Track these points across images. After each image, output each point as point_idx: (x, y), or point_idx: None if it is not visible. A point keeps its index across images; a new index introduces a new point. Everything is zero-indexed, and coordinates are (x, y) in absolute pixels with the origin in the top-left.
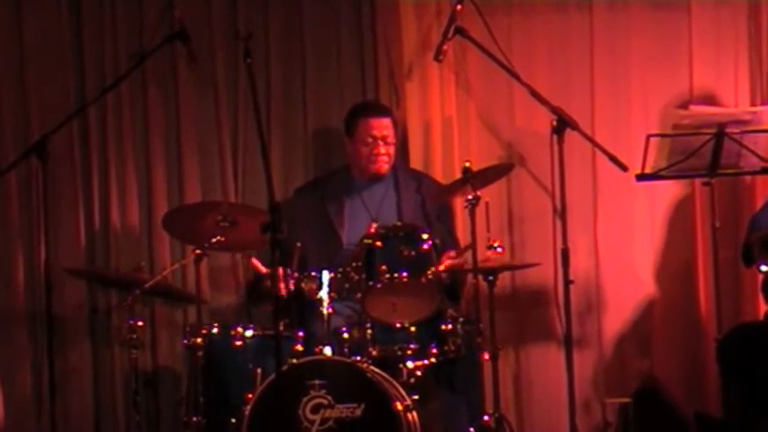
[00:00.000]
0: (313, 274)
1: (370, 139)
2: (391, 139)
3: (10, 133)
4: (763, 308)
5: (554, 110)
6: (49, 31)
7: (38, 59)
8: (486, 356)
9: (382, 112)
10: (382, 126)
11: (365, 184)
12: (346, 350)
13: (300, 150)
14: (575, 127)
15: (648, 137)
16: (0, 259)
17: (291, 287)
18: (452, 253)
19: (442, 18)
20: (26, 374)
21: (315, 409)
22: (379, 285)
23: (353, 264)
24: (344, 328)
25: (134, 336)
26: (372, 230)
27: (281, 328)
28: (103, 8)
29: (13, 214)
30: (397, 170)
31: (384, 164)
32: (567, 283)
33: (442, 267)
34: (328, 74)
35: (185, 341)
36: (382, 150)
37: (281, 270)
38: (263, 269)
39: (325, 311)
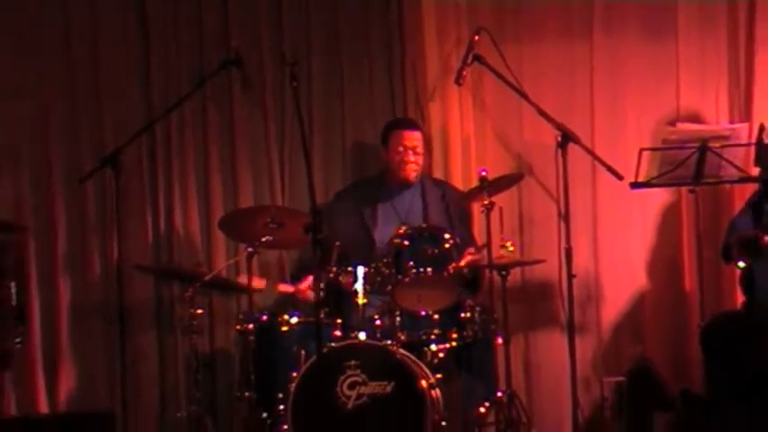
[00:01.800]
0: (349, 269)
1: (401, 149)
2: (420, 150)
3: (87, 147)
4: (740, 299)
5: (559, 126)
6: (121, 57)
7: (112, 82)
8: (500, 341)
9: (413, 126)
10: (413, 138)
11: (396, 191)
12: (378, 335)
13: (338, 160)
14: (577, 141)
15: (641, 150)
16: (78, 257)
17: (316, 293)
18: (471, 250)
19: (461, 47)
20: (101, 357)
21: (351, 386)
22: (406, 279)
23: (384, 260)
24: (376, 316)
25: (194, 323)
26: (401, 231)
27: (322, 316)
28: (168, 37)
29: (90, 217)
30: (423, 179)
31: (412, 171)
32: (570, 277)
33: (461, 263)
34: (363, 95)
35: (238, 327)
36: (411, 159)
37: (307, 280)
38: (291, 288)
39: (359, 301)
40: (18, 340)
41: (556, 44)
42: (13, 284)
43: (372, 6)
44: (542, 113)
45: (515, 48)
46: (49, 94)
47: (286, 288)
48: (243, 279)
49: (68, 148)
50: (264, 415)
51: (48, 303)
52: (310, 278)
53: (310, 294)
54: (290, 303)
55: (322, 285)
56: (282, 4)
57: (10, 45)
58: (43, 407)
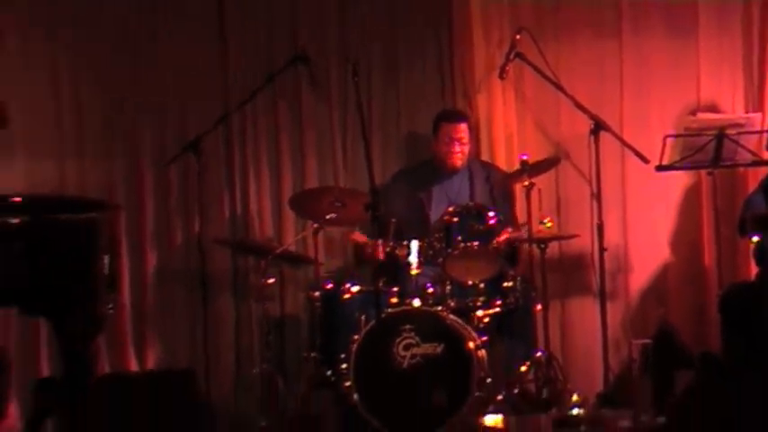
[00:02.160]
0: (404, 243)
1: (448, 140)
2: (465, 140)
3: (171, 134)
4: (754, 270)
5: (591, 116)
6: (202, 54)
7: (194, 77)
8: (539, 307)
9: (460, 118)
10: (459, 130)
11: (446, 175)
12: (430, 302)
13: (394, 146)
14: (607, 129)
15: (665, 137)
16: (163, 232)
17: (383, 255)
18: (509, 230)
19: (504, 45)
20: (183, 321)
21: (406, 348)
22: (455, 252)
23: (436, 235)
24: (429, 285)
25: (266, 291)
26: (450, 210)
27: (380, 285)
28: (243, 37)
29: (174, 197)
30: (471, 163)
31: (458, 160)
32: (602, 250)
33: (503, 238)
34: (416, 88)
35: (306, 295)
36: (457, 149)
37: (379, 241)
38: (363, 238)
39: (413, 272)
40: (110, 306)
41: (588, 41)
42: (106, 256)
43: (426, 10)
44: (577, 104)
45: (553, 45)
46: (139, 89)
47: (361, 237)
48: (357, 236)
49: (155, 137)
50: (329, 373)
51: (136, 273)
52: (380, 241)
53: (378, 252)
54: (350, 273)
55: (381, 256)
56: (346, 6)
57: (107, 48)
58: (133, 365)
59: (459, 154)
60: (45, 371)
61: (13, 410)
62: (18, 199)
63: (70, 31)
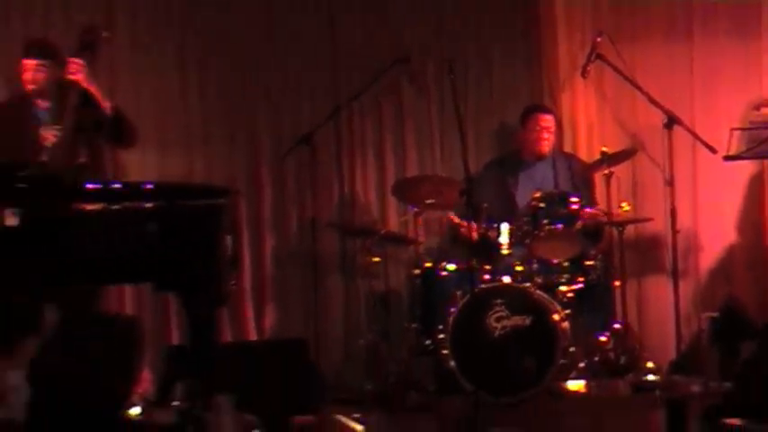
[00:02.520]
0: (495, 225)
1: (537, 128)
2: (552, 130)
3: (288, 128)
4: None
5: (665, 111)
6: (314, 57)
7: (307, 77)
8: (617, 283)
9: (547, 110)
10: (546, 120)
11: (532, 163)
12: (519, 279)
13: (486, 138)
14: (679, 122)
15: (732, 130)
16: (280, 216)
17: (476, 236)
18: (593, 210)
19: (586, 47)
20: (297, 296)
21: (497, 320)
22: (541, 233)
23: (524, 218)
24: (518, 263)
25: (372, 269)
26: (537, 195)
27: (474, 263)
28: (351, 40)
29: (290, 185)
30: (554, 153)
31: (545, 147)
32: (674, 232)
33: (588, 214)
34: (507, 87)
35: (407, 272)
36: (545, 136)
37: (474, 224)
38: (458, 220)
39: (504, 252)
40: (233, 282)
41: (662, 41)
42: (229, 237)
43: (515, 16)
44: (652, 100)
45: (629, 46)
46: (258, 88)
47: (457, 219)
48: (453, 218)
49: (273, 131)
50: (428, 342)
51: (256, 254)
52: (473, 224)
53: (473, 234)
54: (447, 253)
55: (474, 237)
56: (443, 10)
57: (230, 50)
58: (252, 335)
59: (547, 141)
60: (174, 340)
61: (147, 376)
62: (150, 186)
63: (198, 34)
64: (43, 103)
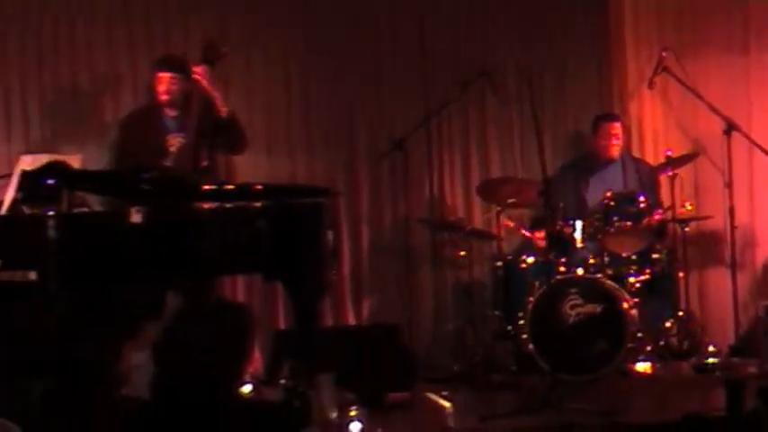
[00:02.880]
0: (570, 222)
1: (607, 135)
2: (620, 136)
3: (383, 135)
4: None
5: (725, 118)
6: (407, 69)
7: (400, 87)
8: (681, 275)
9: (616, 118)
10: (615, 127)
11: (603, 166)
12: (591, 270)
13: (562, 143)
14: (738, 129)
15: None
16: (376, 213)
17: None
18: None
19: (652, 61)
20: (391, 285)
21: (571, 307)
22: (612, 229)
23: (596, 215)
24: (590, 257)
25: (459, 261)
26: (608, 195)
27: (551, 256)
28: (440, 54)
29: (384, 185)
30: (623, 157)
31: (615, 152)
32: (733, 228)
33: (656, 219)
34: (580, 96)
35: (490, 264)
36: (614, 142)
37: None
38: (529, 234)
39: (578, 246)
40: (333, 273)
41: (721, 54)
42: (330, 233)
43: (588, 31)
44: (712, 108)
45: (692, 59)
46: (356, 98)
47: (527, 234)
48: (507, 222)
49: (369, 136)
50: (509, 327)
51: (354, 247)
52: (542, 232)
53: (541, 243)
54: (526, 247)
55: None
56: (524, 27)
57: (332, 64)
58: (351, 320)
59: (616, 146)
60: (282, 325)
61: (257, 357)
62: (260, 187)
63: (302, 49)
64: (171, 112)
